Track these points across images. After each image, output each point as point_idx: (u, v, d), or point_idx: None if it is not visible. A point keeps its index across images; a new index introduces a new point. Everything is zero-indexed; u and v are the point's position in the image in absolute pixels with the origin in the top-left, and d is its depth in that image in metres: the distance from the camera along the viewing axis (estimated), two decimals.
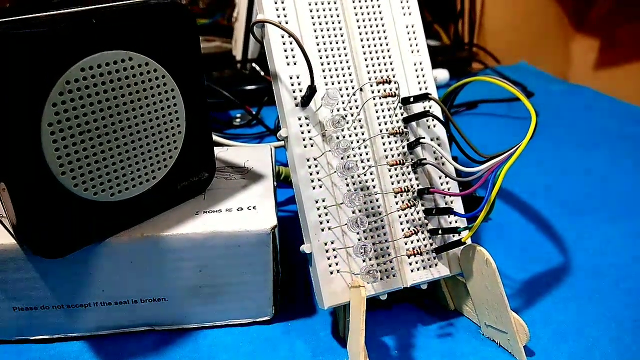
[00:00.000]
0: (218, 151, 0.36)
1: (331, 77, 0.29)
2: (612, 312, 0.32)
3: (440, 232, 0.29)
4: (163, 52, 0.26)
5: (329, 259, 0.27)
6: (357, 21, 0.30)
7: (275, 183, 0.33)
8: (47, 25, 0.22)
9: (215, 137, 0.43)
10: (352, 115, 0.29)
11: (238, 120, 0.60)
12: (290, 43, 0.28)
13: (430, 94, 0.30)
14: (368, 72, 0.30)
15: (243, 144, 0.46)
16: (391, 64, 0.30)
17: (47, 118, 0.22)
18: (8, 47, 0.21)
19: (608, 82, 0.92)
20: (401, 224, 0.29)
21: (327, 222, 0.28)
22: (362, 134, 0.29)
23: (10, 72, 0.21)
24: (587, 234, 0.40)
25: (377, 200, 0.29)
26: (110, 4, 0.25)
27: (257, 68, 0.65)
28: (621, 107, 0.67)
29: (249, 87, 0.65)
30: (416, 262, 0.29)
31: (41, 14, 0.23)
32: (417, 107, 0.30)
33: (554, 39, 0.96)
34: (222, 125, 0.58)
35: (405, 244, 0.29)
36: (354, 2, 0.30)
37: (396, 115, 0.30)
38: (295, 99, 0.28)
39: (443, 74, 0.71)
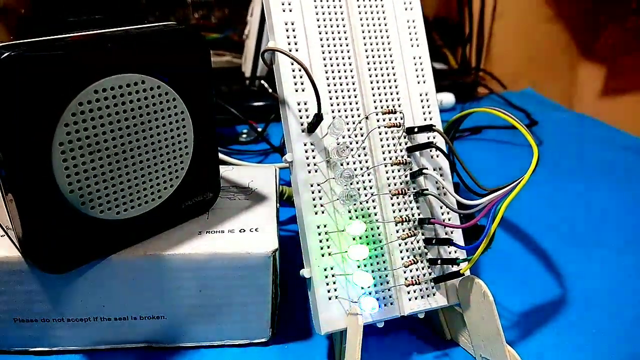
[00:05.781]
0: (223, 170, 0.37)
1: (338, 104, 0.29)
2: (610, 347, 0.32)
3: (439, 262, 0.30)
4: (175, 76, 0.26)
5: (327, 284, 0.28)
6: (366, 51, 0.30)
7: (278, 204, 0.33)
8: (63, 49, 0.23)
9: (221, 156, 0.43)
10: (357, 142, 0.29)
11: (244, 136, 0.60)
12: (299, 70, 0.28)
13: (435, 126, 0.30)
14: (374, 102, 0.30)
15: (248, 164, 0.47)
16: (397, 93, 0.31)
17: (58, 137, 0.23)
18: (24, 68, 0.22)
19: (613, 111, 0.93)
20: (401, 252, 0.29)
21: (328, 247, 0.28)
22: (366, 161, 0.30)
23: (26, 92, 0.22)
24: (587, 266, 0.40)
25: (377, 229, 0.29)
26: (126, 28, 0.26)
27: (266, 85, 0.66)
28: (625, 139, 0.67)
29: (256, 104, 0.66)
30: (414, 291, 0.29)
31: (57, 37, 0.24)
32: (421, 138, 0.31)
33: (561, 66, 0.96)
34: (228, 141, 0.59)
35: (404, 272, 0.29)
36: (363, 32, 0.30)
37: (400, 145, 0.30)
38: (301, 124, 0.28)
39: (449, 98, 0.72)
